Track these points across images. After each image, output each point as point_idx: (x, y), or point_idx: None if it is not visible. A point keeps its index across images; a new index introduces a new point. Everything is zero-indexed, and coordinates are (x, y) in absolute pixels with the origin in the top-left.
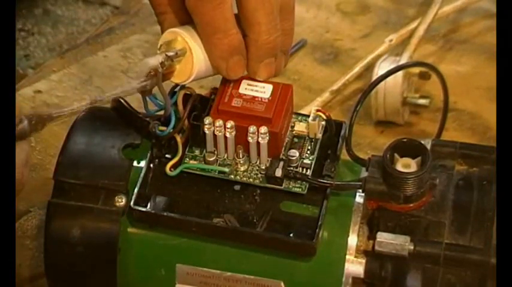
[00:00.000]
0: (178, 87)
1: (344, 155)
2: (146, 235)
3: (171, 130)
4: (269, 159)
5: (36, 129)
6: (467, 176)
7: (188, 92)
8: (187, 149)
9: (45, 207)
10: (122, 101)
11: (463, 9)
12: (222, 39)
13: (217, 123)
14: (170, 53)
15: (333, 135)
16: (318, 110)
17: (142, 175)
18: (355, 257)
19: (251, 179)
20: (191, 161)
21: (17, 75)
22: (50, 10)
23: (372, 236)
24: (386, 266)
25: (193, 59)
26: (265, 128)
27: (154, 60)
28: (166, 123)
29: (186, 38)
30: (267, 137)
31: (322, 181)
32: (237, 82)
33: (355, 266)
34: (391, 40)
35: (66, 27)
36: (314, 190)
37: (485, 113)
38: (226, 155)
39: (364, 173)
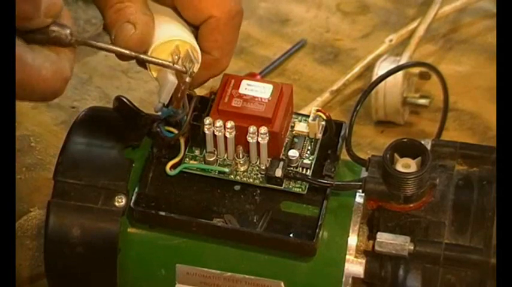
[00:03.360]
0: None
1: (344, 155)
2: (146, 235)
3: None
4: (269, 159)
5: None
6: (467, 176)
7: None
8: (187, 149)
9: (45, 207)
10: (125, 99)
11: (463, 9)
12: None
13: (217, 124)
14: (189, 58)
15: (333, 135)
16: (318, 110)
17: (142, 175)
18: (355, 257)
19: (251, 179)
20: (191, 161)
21: None
22: None
23: (372, 236)
24: (386, 266)
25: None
26: (265, 128)
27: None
28: (169, 123)
29: (185, 39)
30: (267, 137)
31: (322, 181)
32: (237, 82)
33: (355, 266)
34: (391, 40)
35: None
36: (314, 190)
37: (485, 113)
38: (226, 155)
39: (364, 173)
